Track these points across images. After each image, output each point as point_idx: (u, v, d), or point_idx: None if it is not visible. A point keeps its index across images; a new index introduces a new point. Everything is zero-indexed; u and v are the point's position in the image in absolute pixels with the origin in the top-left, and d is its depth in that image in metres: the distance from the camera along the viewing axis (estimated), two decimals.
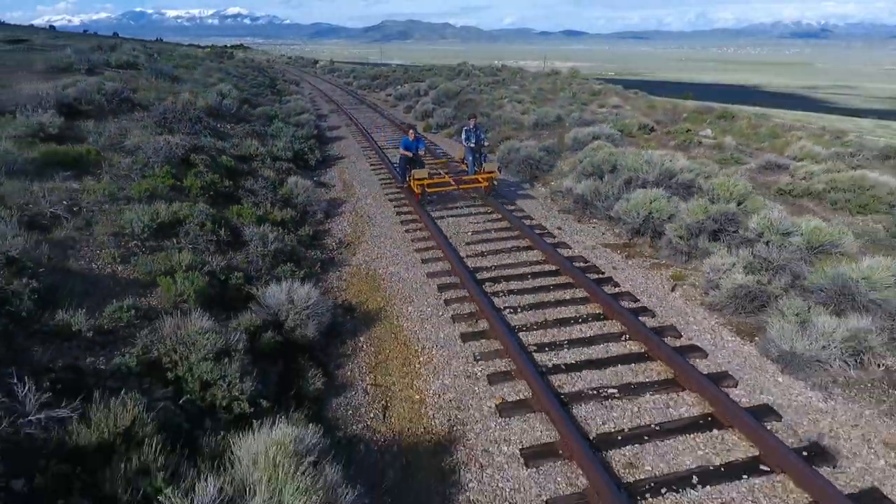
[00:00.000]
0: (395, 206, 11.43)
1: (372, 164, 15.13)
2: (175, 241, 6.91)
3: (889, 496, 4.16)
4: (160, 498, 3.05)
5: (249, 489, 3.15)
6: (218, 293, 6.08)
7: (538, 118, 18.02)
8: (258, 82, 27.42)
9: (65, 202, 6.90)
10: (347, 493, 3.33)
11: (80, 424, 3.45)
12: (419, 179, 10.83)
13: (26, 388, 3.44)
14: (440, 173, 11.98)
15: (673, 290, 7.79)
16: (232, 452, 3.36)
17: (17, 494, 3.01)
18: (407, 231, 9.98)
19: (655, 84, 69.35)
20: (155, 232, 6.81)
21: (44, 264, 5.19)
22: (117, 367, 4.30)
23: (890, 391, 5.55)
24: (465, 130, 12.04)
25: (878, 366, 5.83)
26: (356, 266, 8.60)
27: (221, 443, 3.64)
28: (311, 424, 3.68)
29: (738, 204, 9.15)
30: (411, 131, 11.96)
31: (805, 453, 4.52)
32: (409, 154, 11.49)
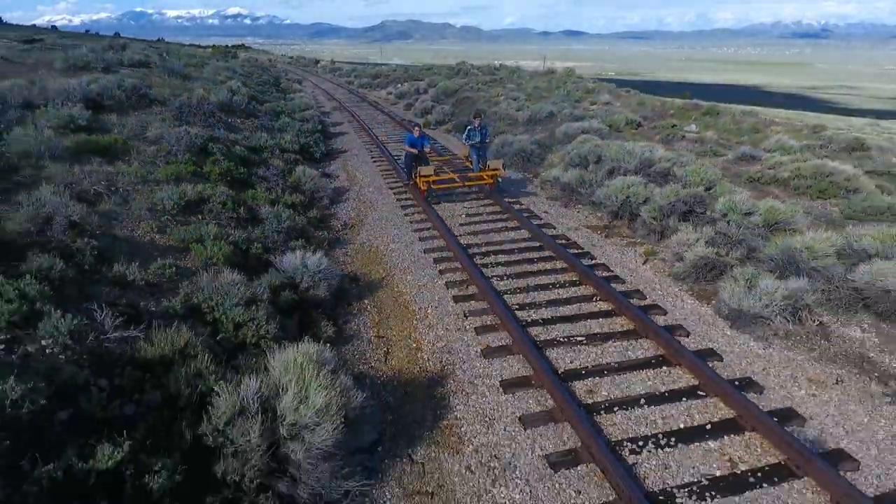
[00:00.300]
0: (395, 194, 12.32)
1: (373, 157, 16.02)
2: (200, 216, 7.82)
3: (801, 414, 5.06)
4: (213, 391, 3.95)
5: (282, 388, 4.05)
6: (240, 260, 6.98)
7: (531, 114, 18.93)
8: (263, 80, 28.34)
9: (103, 182, 7.80)
10: (358, 395, 4.24)
11: (145, 343, 4.36)
12: (425, 176, 11.08)
13: (104, 314, 4.35)
14: (445, 170, 12.29)
15: (644, 263, 8.69)
16: (267, 363, 4.27)
17: (102, 390, 3.91)
18: (406, 214, 10.88)
19: (655, 84, 69.89)
20: (183, 208, 7.72)
21: (96, 230, 6.10)
22: (165, 309, 5.21)
23: (821, 342, 6.45)
24: (469, 129, 12.18)
25: (813, 321, 6.73)
26: (360, 244, 9.51)
27: (258, 360, 4.55)
28: (327, 345, 4.58)
29: (708, 189, 10.05)
30: (416, 128, 12.30)
31: (737, 384, 5.42)
32: (415, 151, 11.76)
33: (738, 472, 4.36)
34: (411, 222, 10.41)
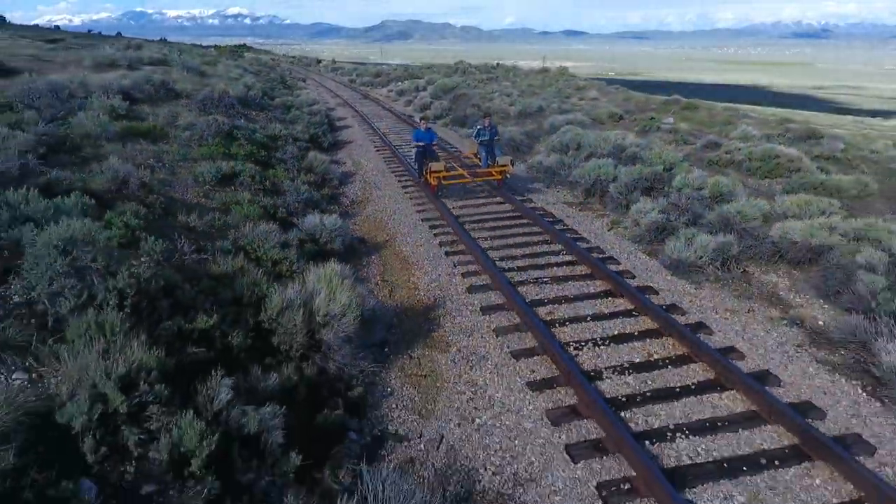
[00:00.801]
0: (396, 177, 13.84)
1: (376, 147, 17.54)
2: (233, 187, 9.35)
3: (710, 328, 6.58)
4: (266, 295, 5.47)
5: (316, 293, 5.57)
6: (270, 219, 8.50)
7: (522, 108, 20.46)
8: (271, 78, 29.86)
9: (152, 159, 9.32)
10: (371, 300, 5.77)
11: (212, 264, 5.88)
12: (436, 172, 11.41)
13: (182, 241, 5.89)
14: (454, 167, 12.67)
15: (609, 230, 10.22)
16: (304, 277, 5.79)
17: (187, 293, 5.41)
18: (406, 192, 12.40)
19: (655, 84, 70.38)
20: (220, 180, 9.25)
21: (158, 191, 7.62)
22: (220, 247, 6.73)
23: (743, 284, 7.97)
24: (479, 128, 12.57)
25: (739, 269, 8.25)
26: (366, 216, 11.04)
27: (296, 276, 6.07)
28: (347, 264, 6.11)
29: (668, 169, 11.58)
30: (423, 122, 12.74)
31: (665, 308, 6.94)
32: (422, 144, 12.04)
33: (652, 360, 5.89)
34: (410, 198, 11.93)
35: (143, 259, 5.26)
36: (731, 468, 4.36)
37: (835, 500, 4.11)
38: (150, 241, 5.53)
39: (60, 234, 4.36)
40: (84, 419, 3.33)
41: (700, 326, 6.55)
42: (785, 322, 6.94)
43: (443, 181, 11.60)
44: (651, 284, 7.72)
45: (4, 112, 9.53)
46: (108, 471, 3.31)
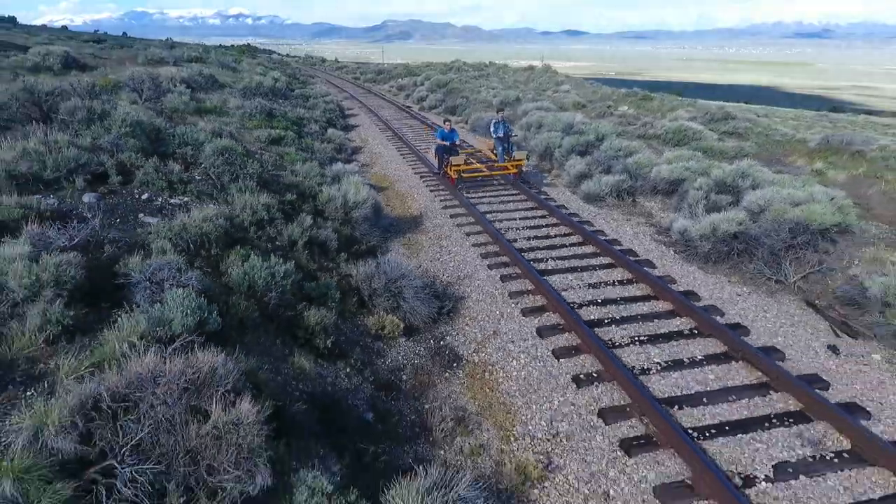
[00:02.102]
0: (396, 149, 17.70)
1: (380, 129, 21.41)
2: (280, 145, 13.21)
3: (604, 231, 10.43)
4: (320, 191, 9.33)
5: (347, 191, 9.44)
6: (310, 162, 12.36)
7: (502, 98, 24.32)
8: (288, 74, 33.76)
9: (223, 127, 13.19)
10: (379, 196, 9.65)
11: (286, 176, 9.76)
12: (455, 166, 12.32)
13: (264, 160, 9.78)
14: (472, 161, 13.33)
15: (550, 181, 14.07)
16: (339, 185, 9.66)
17: (279, 185, 9.28)
18: (402, 156, 16.28)
19: (656, 84, 71.03)
20: (271, 141, 13.12)
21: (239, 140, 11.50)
22: (284, 175, 10.60)
23: (630, 208, 11.81)
24: (494, 123, 13.35)
25: (630, 199, 12.10)
26: (373, 172, 14.90)
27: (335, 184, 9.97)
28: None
29: (600, 139, 15.42)
30: (447, 122, 13.64)
31: (577, 221, 10.78)
32: (446, 144, 12.95)
33: (562, 244, 9.74)
34: (407, 162, 15.81)
35: (254, 162, 9.13)
36: (599, 301, 8.22)
37: (640, 297, 7.97)
38: (250, 163, 9.39)
39: (216, 145, 8.24)
40: (249, 219, 7.20)
41: (598, 231, 10.40)
42: (645, 224, 10.82)
43: (462, 175, 12.52)
44: (570, 208, 11.60)
45: (120, 91, 13.39)
46: (273, 241, 7.18)
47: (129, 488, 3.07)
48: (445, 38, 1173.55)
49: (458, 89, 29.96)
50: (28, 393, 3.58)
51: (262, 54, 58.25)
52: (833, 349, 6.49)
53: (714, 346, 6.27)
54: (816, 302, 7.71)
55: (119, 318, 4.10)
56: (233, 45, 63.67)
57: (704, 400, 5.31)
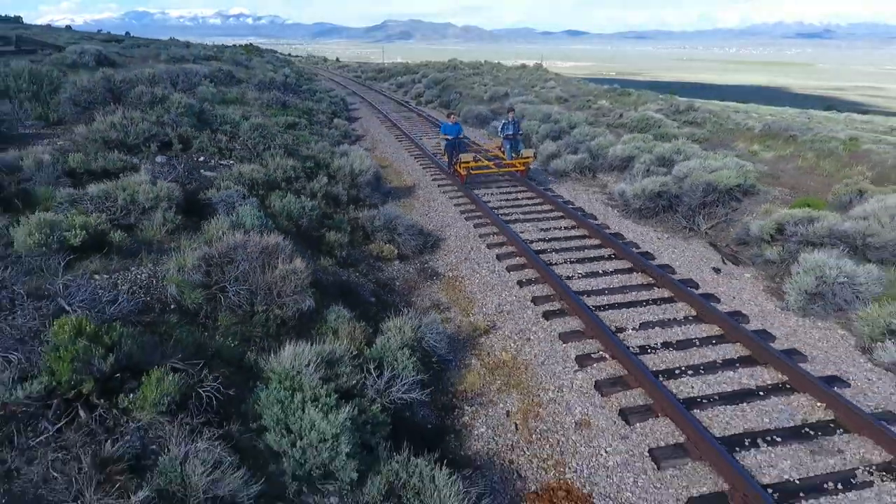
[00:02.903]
0: (395, 137, 19.98)
1: (380, 121, 23.70)
2: (296, 129, 15.50)
3: (564, 197, 12.72)
4: (331, 161, 11.63)
5: (354, 161, 11.73)
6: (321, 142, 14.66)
7: (492, 94, 26.61)
8: (294, 71, 36.04)
9: (248, 112, 15.48)
10: (380, 168, 11.95)
11: (303, 149, 12.06)
12: (465, 163, 12.60)
13: (287, 142, 12.09)
14: (479, 158, 13.68)
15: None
16: (347, 157, 11.95)
17: (300, 155, 11.58)
18: (400, 143, 18.58)
19: (658, 85, 70.66)
20: (286, 127, 15.41)
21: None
22: (301, 150, 12.89)
23: (590, 181, 14.10)
24: (504, 123, 13.77)
25: (591, 174, 14.38)
26: (375, 155, 17.17)
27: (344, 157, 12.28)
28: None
29: (572, 126, 17.71)
30: (451, 117, 13.78)
31: (547, 192, 13.05)
32: (449, 137, 13.05)
33: (531, 209, 12.03)
34: (404, 147, 18.10)
35: (280, 137, 11.42)
36: (546, 239, 10.50)
37: (578, 236, 10.25)
38: (280, 136, 11.67)
39: (251, 123, 10.53)
40: (280, 175, 9.48)
41: (563, 198, 12.67)
42: (599, 192, 13.11)
43: (471, 172, 12.91)
44: (538, 180, 13.89)
45: (157, 83, 15.66)
46: (299, 192, 9.49)
47: (234, 297, 5.35)
48: (446, 37, 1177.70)
49: (453, 86, 32.24)
50: (164, 257, 5.86)
51: (266, 53, 60.54)
52: (716, 270, 8.77)
53: (625, 263, 8.56)
54: (717, 243, 10.00)
55: (211, 221, 6.39)
56: (234, 45, 65.86)
57: (607, 293, 7.60)
